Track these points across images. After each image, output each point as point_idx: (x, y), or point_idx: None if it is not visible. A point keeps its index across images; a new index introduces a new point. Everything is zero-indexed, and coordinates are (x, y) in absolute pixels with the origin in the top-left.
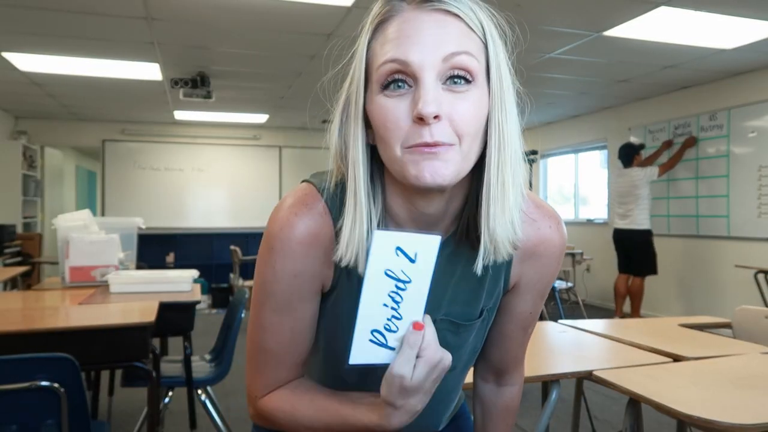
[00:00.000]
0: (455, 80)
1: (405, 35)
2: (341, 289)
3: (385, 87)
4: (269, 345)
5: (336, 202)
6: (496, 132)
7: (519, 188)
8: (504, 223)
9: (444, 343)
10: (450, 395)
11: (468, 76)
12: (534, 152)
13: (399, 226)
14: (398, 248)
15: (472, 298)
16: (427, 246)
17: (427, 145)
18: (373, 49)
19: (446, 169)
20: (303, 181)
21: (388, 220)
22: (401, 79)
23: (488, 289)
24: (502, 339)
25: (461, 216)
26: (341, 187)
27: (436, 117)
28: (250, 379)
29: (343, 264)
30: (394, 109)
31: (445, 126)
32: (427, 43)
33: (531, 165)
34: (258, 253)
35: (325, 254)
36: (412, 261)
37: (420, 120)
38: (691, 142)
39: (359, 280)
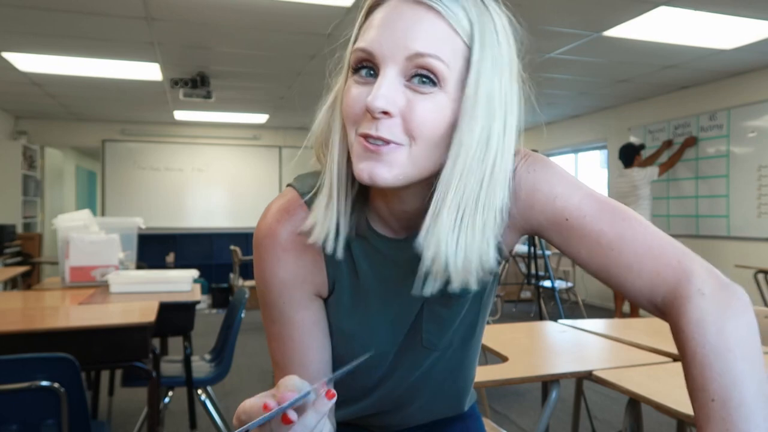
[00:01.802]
0: (421, 79)
1: (380, 25)
2: (338, 294)
3: (354, 72)
4: (276, 356)
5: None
6: (455, 143)
7: (483, 210)
8: (456, 247)
9: (437, 317)
10: (453, 374)
11: (433, 78)
12: (534, 151)
13: (382, 219)
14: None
15: None
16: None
17: (371, 137)
18: (360, 34)
19: (388, 172)
20: (288, 185)
21: (371, 214)
22: (369, 67)
23: None
24: (606, 274)
25: None
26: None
27: (386, 113)
28: None
29: (311, 240)
30: (356, 94)
31: (395, 124)
32: (397, 36)
33: None
34: (254, 272)
35: (313, 260)
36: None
37: (368, 111)
38: (691, 141)
39: (354, 282)
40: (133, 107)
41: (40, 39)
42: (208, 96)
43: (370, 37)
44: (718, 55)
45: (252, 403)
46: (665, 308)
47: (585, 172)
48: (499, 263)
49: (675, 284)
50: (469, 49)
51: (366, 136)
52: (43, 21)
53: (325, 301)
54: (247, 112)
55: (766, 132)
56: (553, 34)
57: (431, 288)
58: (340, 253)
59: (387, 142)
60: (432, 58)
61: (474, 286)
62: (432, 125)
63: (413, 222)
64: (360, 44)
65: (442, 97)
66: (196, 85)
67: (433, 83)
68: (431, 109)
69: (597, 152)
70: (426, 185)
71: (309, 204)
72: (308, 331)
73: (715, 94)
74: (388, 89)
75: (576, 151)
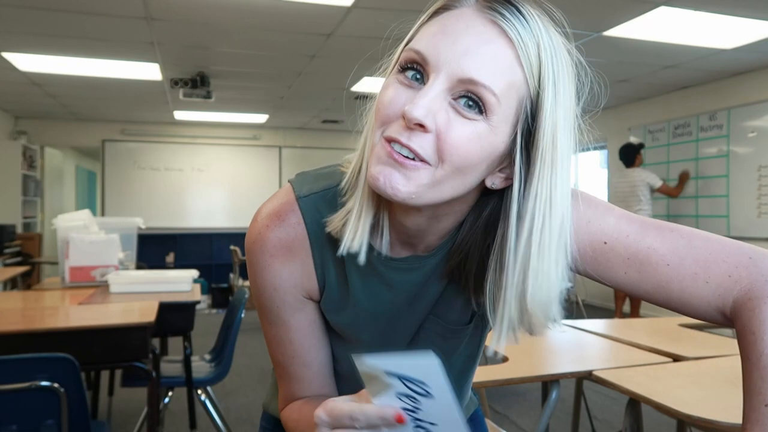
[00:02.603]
0: (468, 102)
1: (443, 32)
2: (326, 300)
3: (401, 71)
4: (277, 357)
5: (314, 206)
6: (541, 199)
7: (565, 256)
8: (542, 299)
9: (431, 344)
10: None
11: (481, 106)
12: None
13: (378, 231)
14: (389, 372)
15: (463, 303)
16: (427, 370)
17: (399, 143)
18: (420, 32)
19: (404, 186)
20: (289, 181)
21: (377, 226)
22: (418, 70)
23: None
24: (666, 293)
25: (454, 236)
26: (329, 192)
27: (421, 126)
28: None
29: (345, 252)
30: (394, 93)
31: (428, 140)
32: (457, 51)
33: None
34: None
35: (303, 266)
36: (420, 382)
37: (404, 118)
38: (686, 177)
39: (344, 292)
40: (133, 107)
41: (40, 39)
42: (208, 96)
43: (430, 40)
44: (718, 55)
45: (378, 411)
46: (736, 311)
47: (585, 173)
48: None
49: (749, 285)
50: (529, 89)
51: (393, 141)
52: (43, 21)
53: (319, 304)
54: (247, 112)
55: (766, 132)
56: None
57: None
58: (362, 259)
59: (416, 155)
60: (484, 89)
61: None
62: (465, 152)
63: (412, 240)
64: (416, 45)
65: (484, 127)
66: (196, 85)
67: (480, 111)
68: (470, 137)
69: (597, 152)
70: (435, 208)
71: (302, 207)
72: (305, 332)
73: (715, 94)
74: (432, 102)
75: (575, 151)
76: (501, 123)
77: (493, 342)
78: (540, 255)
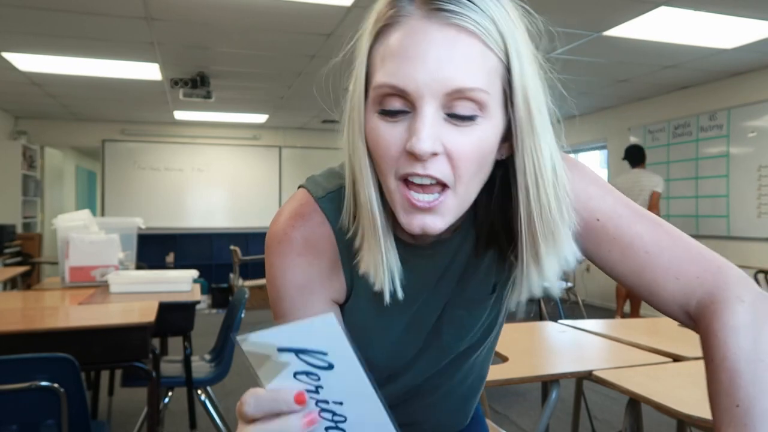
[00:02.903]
0: (460, 114)
1: (406, 56)
2: (356, 299)
3: (381, 107)
4: None
5: (335, 205)
6: (531, 165)
7: (567, 210)
8: (555, 254)
9: (458, 320)
10: (468, 380)
11: (476, 113)
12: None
13: (401, 227)
14: (282, 348)
15: (484, 275)
16: (324, 333)
17: (418, 175)
18: (373, 58)
19: (441, 222)
20: (300, 187)
21: (397, 227)
22: (398, 103)
23: (498, 262)
24: (638, 278)
25: (470, 213)
26: (344, 190)
27: (433, 154)
28: None
29: (361, 273)
30: (387, 135)
31: (443, 162)
32: (430, 68)
33: None
34: (266, 281)
35: (330, 265)
36: (318, 353)
37: (412, 155)
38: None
39: (370, 286)
40: (133, 107)
41: (40, 39)
42: (208, 96)
43: (397, 71)
44: (718, 55)
45: (274, 394)
46: (699, 312)
47: (597, 174)
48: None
49: (713, 289)
50: (504, 64)
51: (410, 177)
52: (43, 21)
53: (341, 306)
54: (247, 112)
55: (766, 132)
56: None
57: (523, 302)
58: (400, 294)
59: (437, 181)
60: (472, 91)
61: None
62: (477, 158)
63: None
64: (386, 79)
65: (484, 125)
66: (196, 85)
67: (473, 116)
68: (475, 143)
69: (597, 152)
70: None
71: (323, 207)
72: None
73: (715, 94)
74: (432, 128)
75: (576, 151)
76: (495, 110)
77: (514, 299)
78: (541, 216)
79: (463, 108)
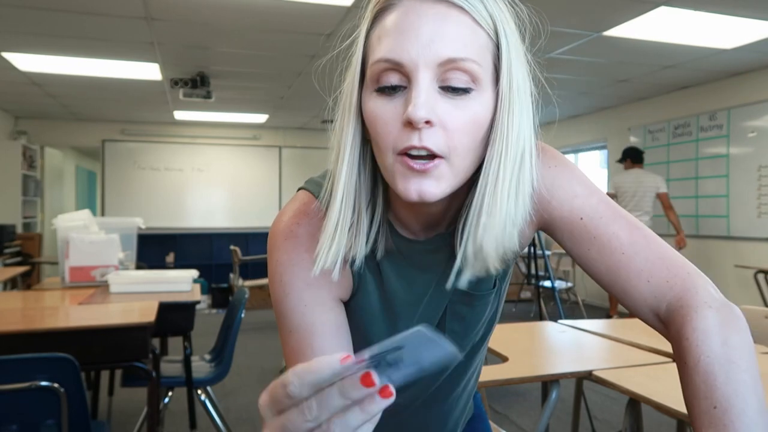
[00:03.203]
0: (455, 86)
1: (400, 30)
2: (363, 298)
3: (378, 85)
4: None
5: (323, 205)
6: (500, 139)
7: (523, 198)
8: (494, 236)
9: (460, 317)
10: (470, 384)
11: (469, 85)
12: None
13: (404, 224)
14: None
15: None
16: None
17: (414, 147)
18: (370, 41)
19: (436, 188)
20: (299, 189)
21: (393, 219)
22: (395, 78)
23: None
24: (614, 277)
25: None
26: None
27: (427, 122)
28: None
29: (319, 267)
30: (385, 110)
31: (438, 133)
32: (423, 41)
33: None
34: (269, 280)
35: None
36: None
37: (409, 124)
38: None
39: (380, 285)
40: (133, 107)
41: (40, 39)
42: (208, 96)
43: (392, 45)
44: (718, 55)
45: (315, 363)
46: (668, 316)
47: (585, 173)
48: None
49: (682, 293)
50: (494, 42)
51: (408, 150)
52: (43, 21)
53: (346, 304)
54: (247, 112)
55: (766, 132)
56: (553, 34)
57: (464, 281)
58: (336, 275)
59: (431, 155)
60: (466, 62)
61: (491, 271)
62: (472, 132)
63: (435, 221)
64: (383, 54)
65: (477, 99)
66: (196, 85)
67: (467, 88)
68: (469, 118)
69: (597, 152)
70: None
71: (324, 206)
72: (332, 335)
73: (715, 94)
74: (428, 97)
75: (576, 151)
76: (487, 85)
77: (451, 279)
78: (494, 192)
79: (457, 80)
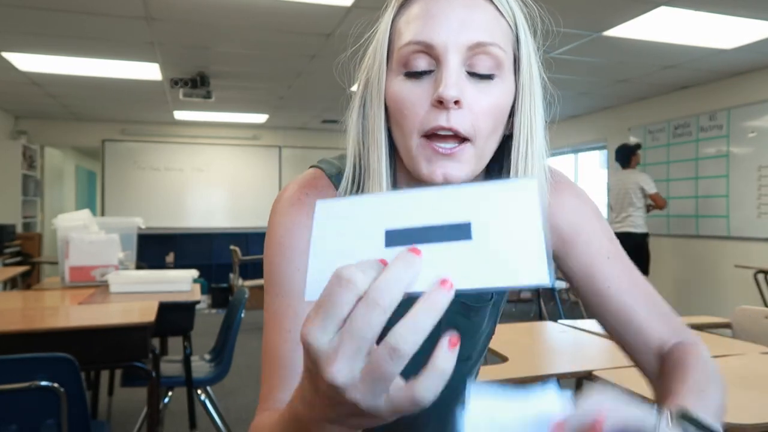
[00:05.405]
0: (481, 72)
1: (430, 15)
2: None
3: (406, 69)
4: (272, 339)
5: (347, 188)
6: (526, 125)
7: (543, 183)
8: None
9: (456, 329)
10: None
11: (493, 71)
12: None
13: None
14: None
15: None
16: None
17: (442, 128)
18: (396, 28)
19: (461, 170)
20: (311, 167)
21: None
22: (424, 61)
23: None
24: (631, 311)
25: None
26: (359, 172)
27: (456, 102)
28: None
29: None
30: (412, 92)
31: (465, 115)
32: (453, 26)
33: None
34: (264, 246)
35: None
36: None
37: (440, 103)
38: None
39: None
40: (133, 107)
41: (40, 39)
42: (208, 96)
43: (422, 28)
44: (718, 55)
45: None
46: (672, 350)
47: (585, 173)
48: None
49: (684, 336)
50: (514, 33)
51: (436, 130)
52: (43, 21)
53: None
54: (247, 112)
55: (766, 132)
56: (553, 34)
57: None
58: None
59: (457, 136)
60: (493, 47)
61: None
62: (496, 116)
63: None
64: (412, 37)
65: (500, 85)
66: (196, 85)
67: (492, 74)
68: (494, 102)
69: (597, 152)
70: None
71: (337, 184)
72: None
73: (715, 94)
74: (458, 78)
75: (576, 151)
76: (509, 73)
77: None
78: (528, 163)
79: (483, 65)
